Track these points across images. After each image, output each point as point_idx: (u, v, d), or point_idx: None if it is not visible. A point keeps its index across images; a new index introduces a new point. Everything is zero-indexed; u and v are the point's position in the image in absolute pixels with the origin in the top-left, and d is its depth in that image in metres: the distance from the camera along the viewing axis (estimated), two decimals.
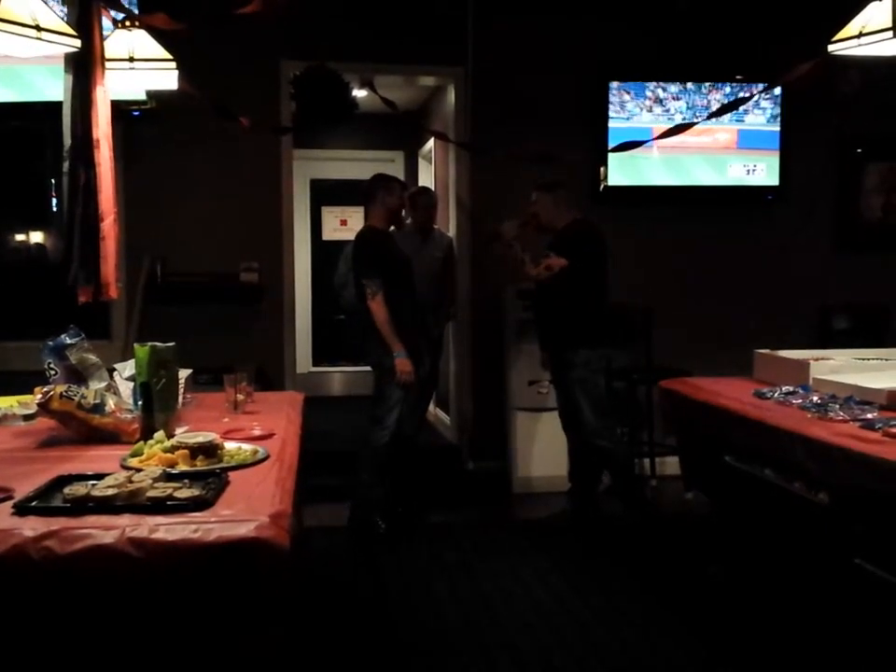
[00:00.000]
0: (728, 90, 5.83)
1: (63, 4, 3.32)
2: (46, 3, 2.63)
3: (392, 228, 5.12)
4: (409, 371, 4.65)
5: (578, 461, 5.09)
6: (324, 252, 8.47)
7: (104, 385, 2.90)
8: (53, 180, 5.74)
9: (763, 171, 5.98)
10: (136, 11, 3.62)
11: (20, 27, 2.51)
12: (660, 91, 5.83)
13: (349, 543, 4.75)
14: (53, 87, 4.12)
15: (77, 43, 2.76)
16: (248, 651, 1.80)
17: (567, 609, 3.85)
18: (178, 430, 2.67)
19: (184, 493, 1.95)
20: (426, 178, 7.78)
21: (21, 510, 1.89)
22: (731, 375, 4.07)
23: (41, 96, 4.71)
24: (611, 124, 5.77)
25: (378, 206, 4.84)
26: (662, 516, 4.91)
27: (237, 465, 2.31)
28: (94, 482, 2.02)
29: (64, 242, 3.10)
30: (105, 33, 3.20)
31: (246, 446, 2.48)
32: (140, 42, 3.27)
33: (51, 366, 2.90)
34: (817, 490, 2.82)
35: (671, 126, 4.68)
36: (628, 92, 5.79)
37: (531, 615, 3.79)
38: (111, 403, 2.71)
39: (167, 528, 1.78)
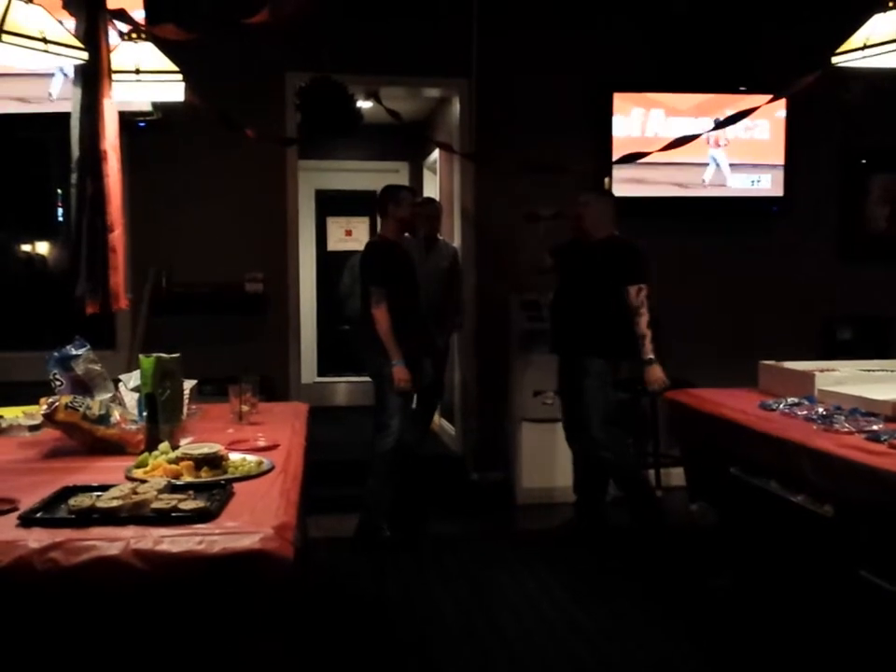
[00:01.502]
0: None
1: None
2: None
3: (406, 234, 5.22)
4: (406, 380, 4.68)
5: (583, 472, 5.07)
6: (329, 263, 8.48)
7: (109, 395, 2.91)
8: (59, 191, 5.77)
9: (768, 182, 5.99)
10: (143, 24, 3.63)
11: (27, 39, 2.52)
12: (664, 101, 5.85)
13: (353, 549, 4.74)
14: None
15: (84, 55, 2.77)
16: (252, 662, 1.80)
17: (571, 620, 3.83)
18: (183, 441, 2.67)
19: (188, 504, 1.95)
20: (431, 189, 7.80)
21: (26, 521, 1.89)
22: (736, 386, 4.07)
23: (46, 107, 4.75)
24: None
25: (389, 219, 4.91)
26: (667, 528, 4.89)
27: (242, 476, 2.31)
28: (99, 493, 2.02)
29: (71, 253, 3.10)
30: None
31: (251, 457, 2.48)
32: (146, 54, 3.29)
33: (57, 377, 2.90)
34: (822, 502, 2.81)
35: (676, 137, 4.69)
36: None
37: (533, 625, 3.79)
38: (116, 414, 2.71)
39: (172, 540, 1.78)
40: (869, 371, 3.81)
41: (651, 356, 4.63)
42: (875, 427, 2.90)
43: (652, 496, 4.92)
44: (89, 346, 2.97)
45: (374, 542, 4.77)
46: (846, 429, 2.94)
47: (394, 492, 4.88)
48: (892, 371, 3.84)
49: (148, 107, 4.64)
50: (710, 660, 3.43)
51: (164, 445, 2.50)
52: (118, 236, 3.10)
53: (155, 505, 1.95)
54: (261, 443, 2.75)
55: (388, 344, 4.67)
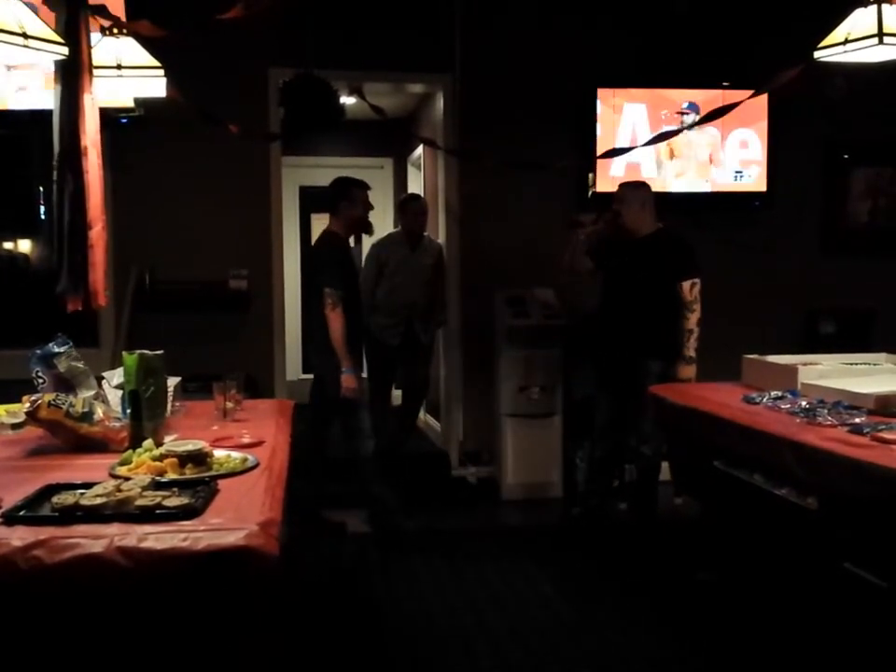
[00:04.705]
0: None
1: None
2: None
3: (364, 234, 5.25)
4: (353, 389, 4.62)
5: (604, 469, 5.04)
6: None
7: (92, 393, 2.89)
8: (41, 188, 5.73)
9: (751, 177, 6.01)
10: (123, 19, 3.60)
11: (6, 35, 2.50)
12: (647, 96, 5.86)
13: (381, 553, 4.68)
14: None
15: (65, 50, 2.75)
16: (238, 659, 1.79)
17: (556, 615, 3.85)
18: (167, 439, 2.66)
19: (173, 501, 1.95)
20: (415, 185, 7.79)
21: (10, 519, 1.88)
22: (719, 380, 4.08)
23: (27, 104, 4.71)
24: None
25: (340, 216, 4.80)
26: (655, 521, 4.91)
27: (226, 473, 2.30)
28: (83, 490, 2.01)
29: (54, 250, 3.08)
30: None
31: (236, 454, 2.47)
32: (128, 49, 3.27)
33: (39, 374, 2.89)
34: (806, 495, 2.83)
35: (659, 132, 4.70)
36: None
37: (519, 621, 3.79)
38: (100, 412, 2.70)
39: (156, 537, 1.77)
40: (852, 364, 3.83)
41: (693, 354, 4.60)
42: (857, 420, 2.91)
43: (656, 497, 4.92)
44: (71, 344, 2.96)
45: (400, 540, 4.74)
46: (829, 422, 2.95)
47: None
48: (875, 364, 3.87)
49: (130, 103, 4.61)
50: (696, 653, 3.44)
51: (148, 442, 2.49)
52: (97, 233, 3.08)
53: (139, 502, 1.94)
54: (246, 440, 2.74)
55: (340, 350, 4.58)
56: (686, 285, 4.64)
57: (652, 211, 4.80)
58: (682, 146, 5.86)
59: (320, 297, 4.63)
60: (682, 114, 5.80)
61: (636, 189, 4.86)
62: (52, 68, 3.04)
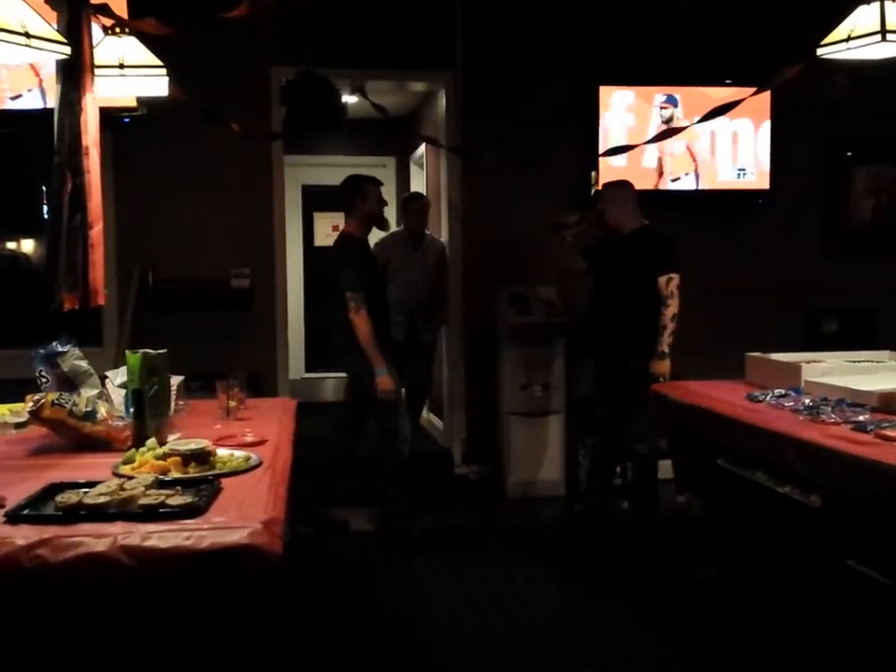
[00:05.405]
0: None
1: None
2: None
3: (375, 228, 5.16)
4: (390, 389, 4.60)
5: (604, 466, 5.05)
6: (316, 258, 8.46)
7: (95, 392, 2.90)
8: (44, 188, 5.73)
9: (753, 175, 6.00)
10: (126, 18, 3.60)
11: (9, 34, 2.50)
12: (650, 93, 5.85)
13: (383, 551, 4.69)
14: None
15: (67, 50, 2.75)
16: (241, 658, 1.79)
17: (557, 614, 3.84)
18: (170, 437, 2.66)
19: (176, 500, 1.95)
20: (417, 184, 7.79)
21: (13, 518, 1.88)
22: (722, 378, 4.08)
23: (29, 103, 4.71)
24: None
25: (355, 214, 4.80)
26: (655, 519, 4.91)
27: (229, 472, 2.30)
28: (86, 489, 2.01)
29: (50, 248, 3.07)
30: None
31: (239, 453, 2.48)
32: (130, 49, 3.27)
33: (43, 374, 2.89)
34: (809, 492, 2.82)
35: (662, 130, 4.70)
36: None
37: (522, 621, 3.79)
38: (103, 411, 2.70)
39: (160, 536, 1.78)
40: (855, 362, 3.82)
41: (665, 349, 4.61)
42: (861, 418, 2.91)
43: (656, 495, 4.91)
44: (75, 343, 2.96)
45: (408, 542, 4.73)
46: (832, 420, 2.95)
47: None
48: (878, 362, 3.86)
49: (133, 102, 4.61)
50: (697, 653, 3.44)
51: (151, 441, 2.49)
52: (97, 233, 3.08)
53: (143, 501, 1.94)
54: (249, 439, 2.74)
55: (371, 352, 4.56)
56: (662, 280, 4.65)
57: (635, 208, 4.82)
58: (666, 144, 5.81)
59: (342, 300, 4.59)
60: (662, 108, 5.82)
61: (617, 188, 4.89)
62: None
